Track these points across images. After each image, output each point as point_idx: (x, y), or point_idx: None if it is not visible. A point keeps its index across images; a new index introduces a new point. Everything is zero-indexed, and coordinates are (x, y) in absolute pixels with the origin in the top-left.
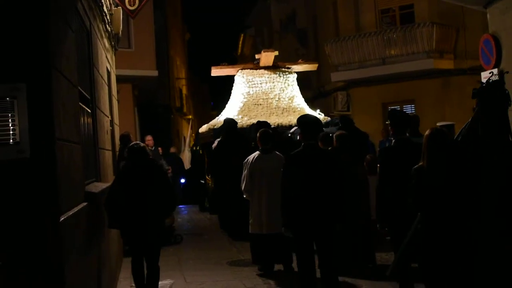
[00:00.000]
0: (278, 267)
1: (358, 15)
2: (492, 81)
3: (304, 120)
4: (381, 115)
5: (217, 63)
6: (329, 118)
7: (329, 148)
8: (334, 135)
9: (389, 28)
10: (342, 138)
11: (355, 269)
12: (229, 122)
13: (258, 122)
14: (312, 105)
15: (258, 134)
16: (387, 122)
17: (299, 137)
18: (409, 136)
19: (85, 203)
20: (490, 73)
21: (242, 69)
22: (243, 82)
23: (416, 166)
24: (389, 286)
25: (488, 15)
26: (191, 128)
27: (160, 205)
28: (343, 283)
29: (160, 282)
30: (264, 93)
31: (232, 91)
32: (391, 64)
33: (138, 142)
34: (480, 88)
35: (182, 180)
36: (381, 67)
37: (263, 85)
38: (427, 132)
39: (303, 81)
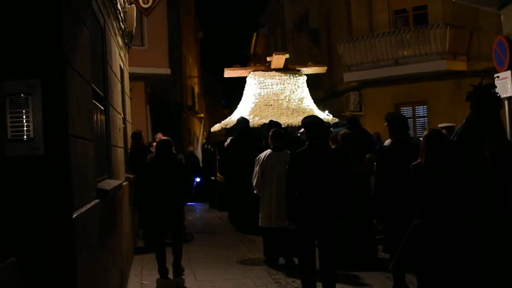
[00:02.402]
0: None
1: (372, 15)
2: (484, 85)
3: (309, 120)
4: None
5: (230, 62)
6: (337, 119)
7: (333, 147)
8: (339, 134)
9: (402, 29)
10: (346, 137)
11: (357, 262)
12: (242, 122)
13: (271, 121)
14: (324, 105)
15: (270, 133)
16: (385, 124)
17: (305, 136)
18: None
19: (97, 200)
20: (481, 76)
21: (254, 71)
22: (255, 84)
23: (414, 163)
24: (382, 277)
25: (502, 17)
26: (203, 127)
27: (180, 191)
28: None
29: (170, 280)
30: (275, 94)
31: (244, 92)
32: (404, 65)
33: (167, 138)
34: (472, 91)
35: (197, 179)
36: (394, 67)
37: (274, 86)
38: (425, 132)
39: (315, 81)
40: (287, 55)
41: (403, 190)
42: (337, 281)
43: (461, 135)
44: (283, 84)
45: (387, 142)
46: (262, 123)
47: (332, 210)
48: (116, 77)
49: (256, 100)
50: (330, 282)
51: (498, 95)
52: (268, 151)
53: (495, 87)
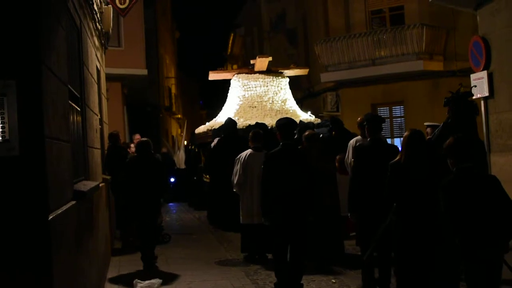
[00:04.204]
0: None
1: (348, 15)
2: (462, 93)
3: (282, 122)
4: None
5: (207, 63)
6: (319, 120)
7: (299, 147)
8: (303, 136)
9: (379, 29)
10: (310, 138)
11: (326, 257)
12: (230, 123)
13: (257, 123)
14: (302, 106)
15: (250, 134)
16: (364, 124)
17: (278, 137)
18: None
19: (73, 202)
20: (459, 84)
21: (238, 74)
22: (239, 86)
23: (393, 161)
24: (354, 274)
25: (478, 17)
26: (180, 128)
27: (157, 187)
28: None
29: (147, 281)
30: (258, 96)
31: (228, 94)
32: (380, 65)
33: (146, 139)
34: (450, 97)
35: (172, 179)
36: (370, 68)
37: (258, 88)
38: (406, 133)
39: (293, 81)
40: (270, 58)
41: (378, 186)
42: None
43: (438, 137)
44: (267, 86)
45: (352, 141)
46: (247, 125)
47: (304, 207)
48: (93, 77)
49: (241, 102)
50: (298, 273)
51: (475, 103)
52: (249, 151)
53: (472, 95)
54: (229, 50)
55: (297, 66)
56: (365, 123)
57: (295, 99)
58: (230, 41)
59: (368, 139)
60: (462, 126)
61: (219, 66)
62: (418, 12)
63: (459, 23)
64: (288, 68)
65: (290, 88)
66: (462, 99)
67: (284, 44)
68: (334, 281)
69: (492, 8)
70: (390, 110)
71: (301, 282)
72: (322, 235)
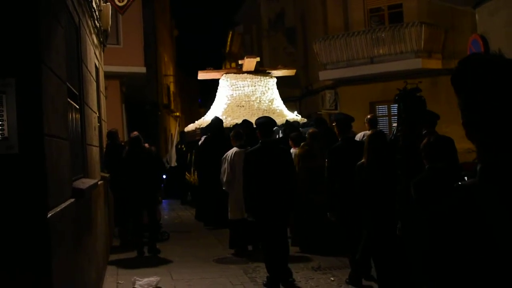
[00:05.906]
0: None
1: (347, 13)
2: (409, 89)
3: (261, 121)
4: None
5: (205, 61)
6: (305, 120)
7: (302, 144)
8: (307, 132)
9: (377, 27)
10: (314, 135)
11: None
12: (216, 121)
13: (244, 121)
14: (300, 104)
15: (231, 134)
16: (333, 124)
17: (258, 135)
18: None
19: (72, 199)
20: (404, 82)
21: (226, 73)
22: (227, 86)
23: (359, 162)
24: (336, 261)
25: (476, 16)
26: (178, 126)
27: (152, 178)
28: (301, 257)
29: (146, 279)
30: (246, 96)
31: (217, 93)
32: (379, 63)
33: (136, 133)
34: (399, 94)
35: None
36: (369, 66)
37: (246, 88)
38: (368, 133)
39: (292, 79)
40: (257, 59)
41: (351, 184)
42: (301, 267)
43: (396, 135)
44: (254, 86)
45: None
46: (235, 123)
47: (284, 202)
48: (91, 75)
49: (229, 101)
50: (284, 262)
51: (423, 98)
52: (235, 149)
53: (420, 90)
54: (228, 48)
55: (290, 63)
56: (334, 124)
57: (294, 97)
58: (229, 39)
59: (339, 139)
60: (411, 121)
61: (218, 64)
62: (417, 10)
63: (458, 22)
64: (275, 68)
65: (289, 86)
66: (409, 96)
67: (283, 42)
68: (332, 279)
69: (491, 7)
70: (389, 108)
71: (290, 269)
72: (321, 231)
